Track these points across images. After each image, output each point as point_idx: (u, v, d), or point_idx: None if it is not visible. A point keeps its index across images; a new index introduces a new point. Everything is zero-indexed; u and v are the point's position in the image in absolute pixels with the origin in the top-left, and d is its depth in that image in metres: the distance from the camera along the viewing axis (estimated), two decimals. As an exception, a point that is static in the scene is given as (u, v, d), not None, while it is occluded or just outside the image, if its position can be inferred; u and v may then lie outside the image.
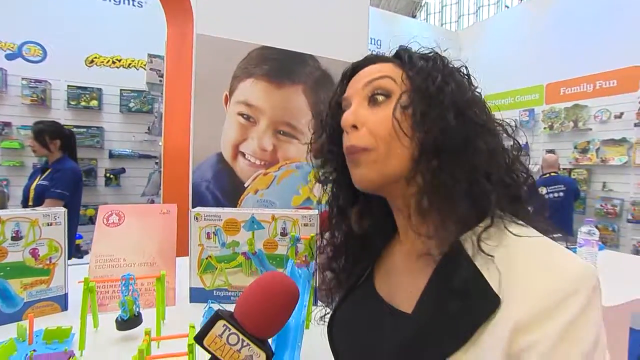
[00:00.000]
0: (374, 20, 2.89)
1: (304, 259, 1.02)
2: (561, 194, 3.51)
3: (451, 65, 0.50)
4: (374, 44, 5.18)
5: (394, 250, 0.56)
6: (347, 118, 0.48)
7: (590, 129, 4.13)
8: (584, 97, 4.24)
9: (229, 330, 0.37)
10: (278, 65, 2.27)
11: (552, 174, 3.67)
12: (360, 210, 0.55)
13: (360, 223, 0.55)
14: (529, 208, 0.47)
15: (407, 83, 0.47)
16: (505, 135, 0.48)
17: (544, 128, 4.60)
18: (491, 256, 0.39)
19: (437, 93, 0.45)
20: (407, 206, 0.48)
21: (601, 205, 3.99)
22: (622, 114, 3.87)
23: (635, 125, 3.71)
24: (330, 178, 0.57)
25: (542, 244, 0.40)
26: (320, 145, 0.57)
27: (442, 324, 0.40)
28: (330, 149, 0.55)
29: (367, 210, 0.55)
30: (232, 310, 0.39)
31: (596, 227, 3.96)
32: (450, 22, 6.23)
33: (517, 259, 0.38)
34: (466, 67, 0.51)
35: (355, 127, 0.48)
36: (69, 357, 0.60)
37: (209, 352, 0.38)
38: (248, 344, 0.37)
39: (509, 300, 0.36)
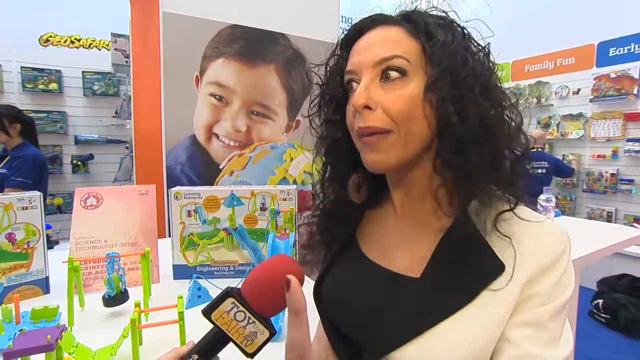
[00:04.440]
0: (344, -2, 2.87)
1: (284, 231, 1.06)
2: (544, 170, 3.63)
3: (467, 32, 0.47)
4: (345, 22, 5.15)
5: (384, 217, 0.55)
6: (358, 97, 0.44)
7: (552, 105, 4.34)
8: (546, 74, 4.43)
9: (237, 308, 0.39)
10: (249, 45, 2.24)
11: (539, 149, 3.73)
12: (359, 181, 0.54)
13: (357, 192, 0.54)
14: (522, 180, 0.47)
15: (429, 62, 0.43)
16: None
17: (510, 105, 4.80)
18: (508, 237, 0.43)
19: (467, 77, 0.42)
20: (414, 182, 0.48)
21: (561, 177, 4.26)
22: (579, 90, 4.08)
23: (591, 100, 3.93)
24: (330, 148, 0.54)
25: (539, 222, 0.45)
26: (319, 115, 0.54)
27: (451, 284, 0.43)
28: (331, 119, 0.52)
29: (364, 181, 0.55)
30: (239, 288, 0.41)
31: (556, 197, 4.18)
32: None
33: (521, 236, 0.43)
34: (474, 38, 0.48)
35: (368, 107, 0.44)
36: (62, 331, 0.62)
37: (216, 325, 0.40)
38: (254, 322, 0.40)
39: (520, 264, 0.42)
